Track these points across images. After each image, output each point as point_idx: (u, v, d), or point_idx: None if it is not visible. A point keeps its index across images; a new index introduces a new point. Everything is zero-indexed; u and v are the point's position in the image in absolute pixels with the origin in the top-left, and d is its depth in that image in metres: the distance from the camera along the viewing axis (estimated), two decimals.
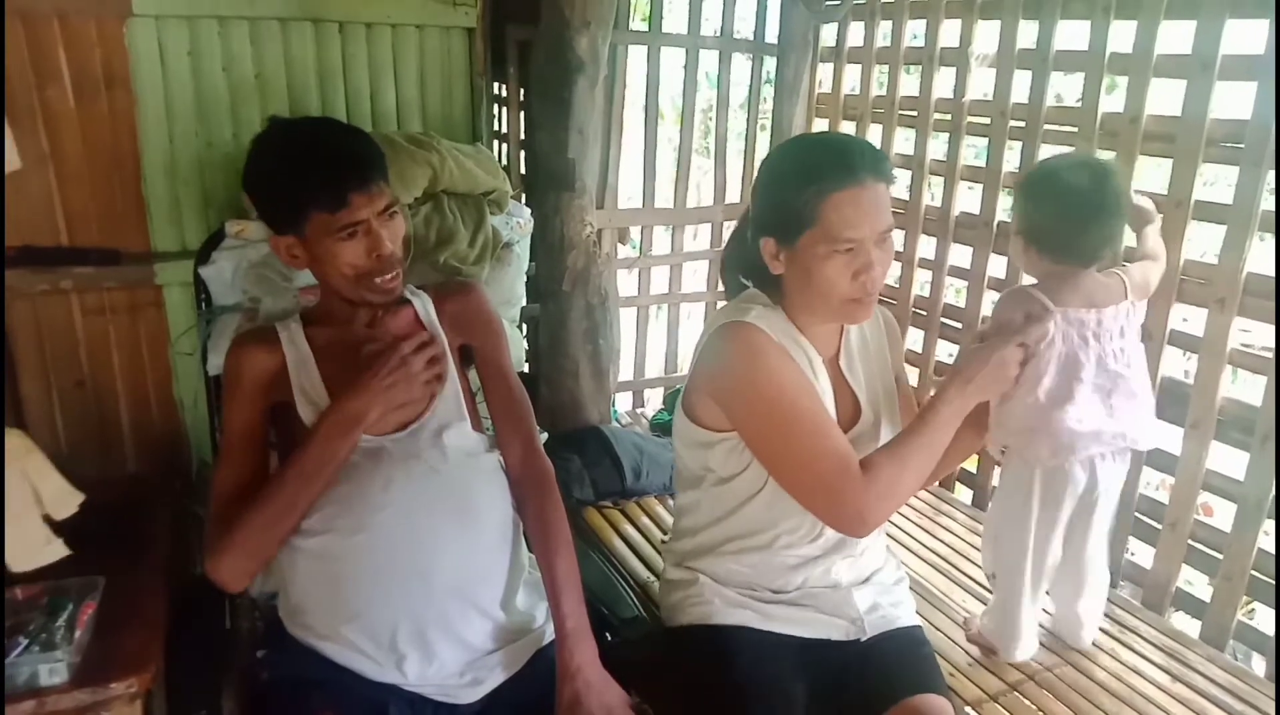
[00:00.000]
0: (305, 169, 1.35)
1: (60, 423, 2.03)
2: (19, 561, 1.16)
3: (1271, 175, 1.73)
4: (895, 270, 2.62)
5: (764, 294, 1.41)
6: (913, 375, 2.60)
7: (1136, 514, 2.04)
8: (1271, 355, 1.75)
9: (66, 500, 1.22)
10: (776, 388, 1.30)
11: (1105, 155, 1.90)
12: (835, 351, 1.46)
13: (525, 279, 2.19)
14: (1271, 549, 1.81)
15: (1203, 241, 2.00)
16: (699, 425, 1.43)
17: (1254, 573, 1.82)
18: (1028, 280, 1.70)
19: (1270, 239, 1.77)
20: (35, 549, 1.18)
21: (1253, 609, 2.02)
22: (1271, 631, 1.81)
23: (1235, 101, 1.77)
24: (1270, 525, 1.82)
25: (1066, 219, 1.55)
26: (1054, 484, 1.61)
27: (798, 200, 1.27)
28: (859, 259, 1.27)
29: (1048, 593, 1.76)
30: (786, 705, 1.33)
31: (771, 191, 1.34)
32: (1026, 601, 1.67)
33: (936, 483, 2.43)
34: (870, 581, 1.51)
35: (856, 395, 1.45)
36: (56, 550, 1.20)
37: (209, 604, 1.72)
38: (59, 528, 1.26)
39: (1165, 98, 1.91)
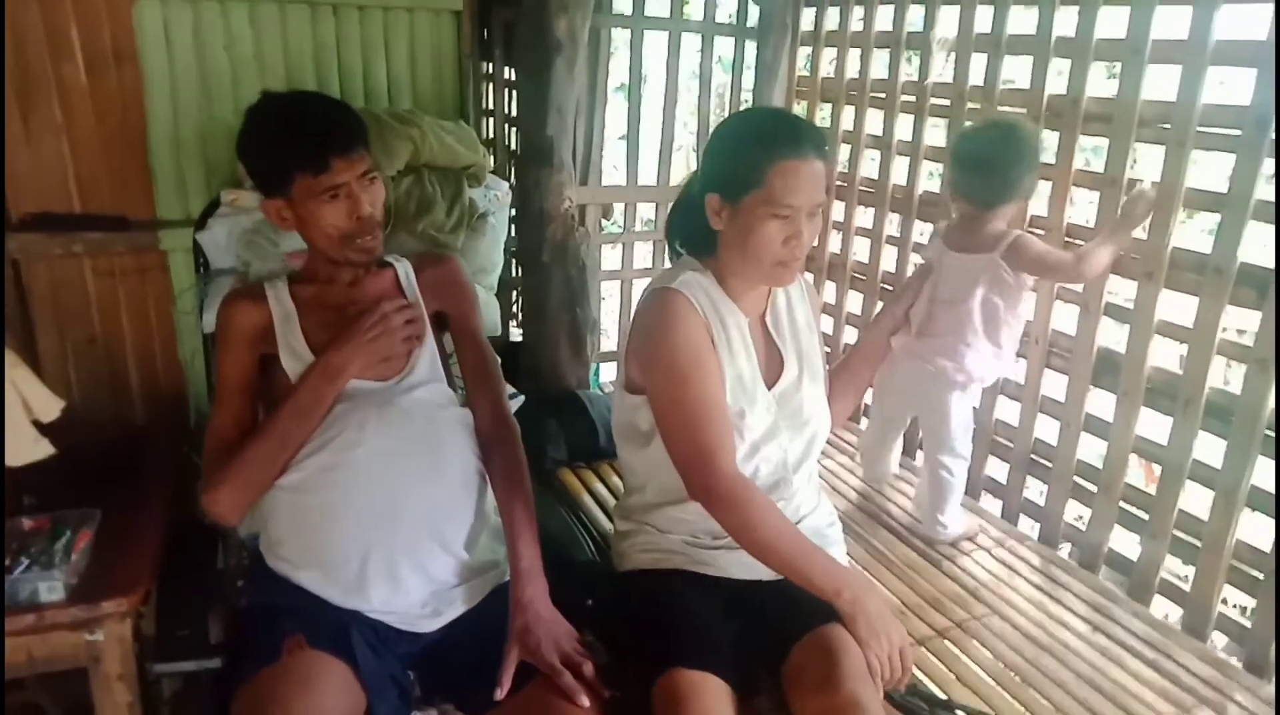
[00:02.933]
0: (292, 135, 1.48)
1: (74, 376, 2.20)
2: (12, 457, 1.31)
3: (1196, 156, 1.82)
4: (865, 245, 2.74)
5: (697, 262, 1.52)
6: (851, 335, 2.87)
7: (1076, 478, 2.14)
8: (1189, 325, 1.85)
9: (50, 405, 1.36)
10: (672, 355, 1.42)
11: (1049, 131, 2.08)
12: (763, 312, 1.57)
13: (504, 249, 2.31)
14: (1195, 511, 1.91)
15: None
16: (625, 387, 1.55)
17: (1177, 532, 1.92)
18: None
19: (1190, 221, 1.87)
20: (26, 446, 1.32)
21: (1185, 575, 2.11)
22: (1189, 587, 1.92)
23: (1167, 84, 1.85)
24: (1196, 489, 1.90)
25: (966, 165, 1.92)
26: (884, 384, 2.14)
27: (749, 162, 1.38)
28: (792, 226, 1.39)
29: None
30: (716, 641, 1.42)
31: (725, 151, 1.45)
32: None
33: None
34: (801, 525, 1.58)
35: (782, 352, 1.56)
36: (44, 447, 1.34)
37: (203, 547, 1.87)
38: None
39: (1106, 80, 2.01)
